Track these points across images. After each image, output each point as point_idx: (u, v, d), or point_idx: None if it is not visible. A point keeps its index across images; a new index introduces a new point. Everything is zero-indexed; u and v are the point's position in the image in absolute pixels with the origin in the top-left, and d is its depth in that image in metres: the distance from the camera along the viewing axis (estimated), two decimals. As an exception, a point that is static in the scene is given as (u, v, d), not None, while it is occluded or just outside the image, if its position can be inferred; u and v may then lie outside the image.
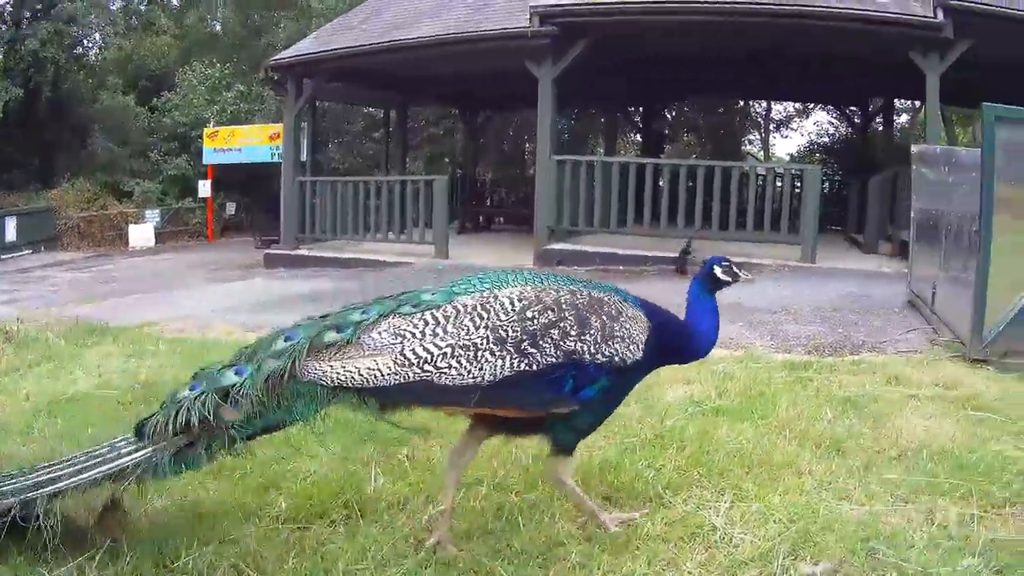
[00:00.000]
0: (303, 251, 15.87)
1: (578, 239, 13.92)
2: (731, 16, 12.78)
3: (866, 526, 3.32)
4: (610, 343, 2.87)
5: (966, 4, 12.41)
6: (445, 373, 2.73)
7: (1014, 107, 6.74)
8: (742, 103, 32.92)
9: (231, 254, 19.25)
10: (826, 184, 25.20)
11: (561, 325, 2.81)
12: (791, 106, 34.46)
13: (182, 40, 32.88)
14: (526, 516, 3.39)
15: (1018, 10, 12.62)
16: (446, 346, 2.75)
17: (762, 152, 37.97)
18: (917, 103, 25.45)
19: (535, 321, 2.80)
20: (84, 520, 3.00)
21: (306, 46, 16.82)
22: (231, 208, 26.60)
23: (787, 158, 34.59)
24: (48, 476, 2.82)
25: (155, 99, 28.77)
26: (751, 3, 12.75)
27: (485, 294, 2.87)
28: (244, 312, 9.82)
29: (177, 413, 2.76)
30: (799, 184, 14.50)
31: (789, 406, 4.90)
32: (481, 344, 2.76)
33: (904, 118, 31.14)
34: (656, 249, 12.77)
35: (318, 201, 15.78)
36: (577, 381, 2.84)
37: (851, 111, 25.23)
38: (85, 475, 2.79)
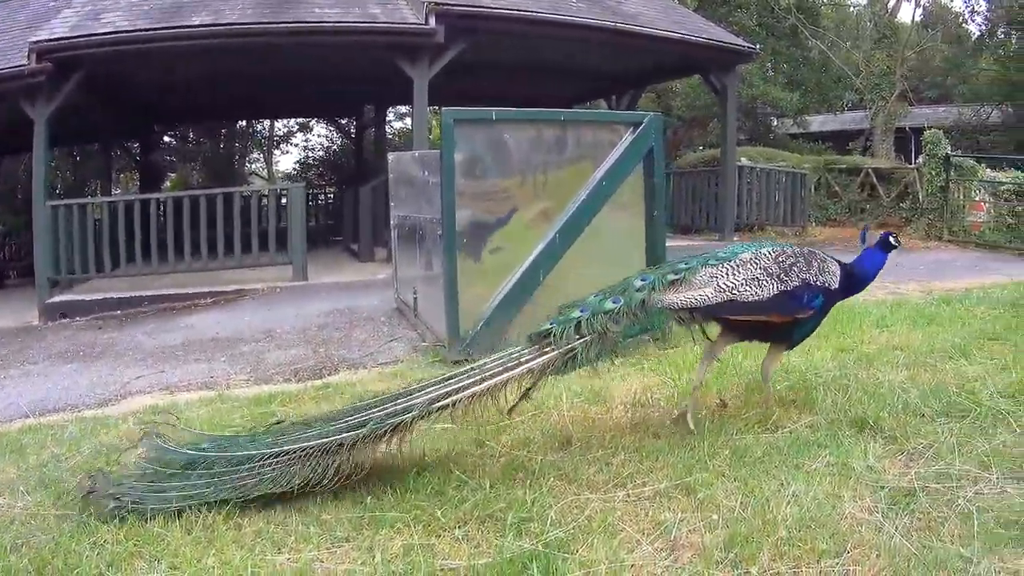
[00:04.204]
0: None
1: (82, 287, 12.99)
2: (220, 39, 12.66)
3: (299, 574, 3.24)
4: (823, 275, 4.60)
5: (459, 8, 13.10)
6: (743, 294, 4.40)
7: (474, 109, 7.07)
8: (245, 123, 33.28)
9: None
10: (325, 197, 26.17)
11: (798, 265, 4.55)
12: (293, 121, 35.25)
13: None
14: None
15: (517, 9, 13.59)
16: (743, 279, 4.44)
17: (266, 170, 38.76)
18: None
19: (784, 263, 4.53)
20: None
21: None
22: None
23: (292, 173, 35.44)
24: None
25: None
26: (240, 24, 12.71)
27: (754, 251, 4.58)
28: None
29: (577, 325, 4.29)
30: (287, 203, 14.76)
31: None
32: (760, 277, 4.45)
33: (408, 122, 32.74)
34: (152, 288, 12.29)
35: None
36: (809, 296, 4.54)
37: (346, 121, 26.10)
38: (500, 377, 4.16)
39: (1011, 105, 29.11)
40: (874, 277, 4.88)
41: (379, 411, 4.02)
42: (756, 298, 4.41)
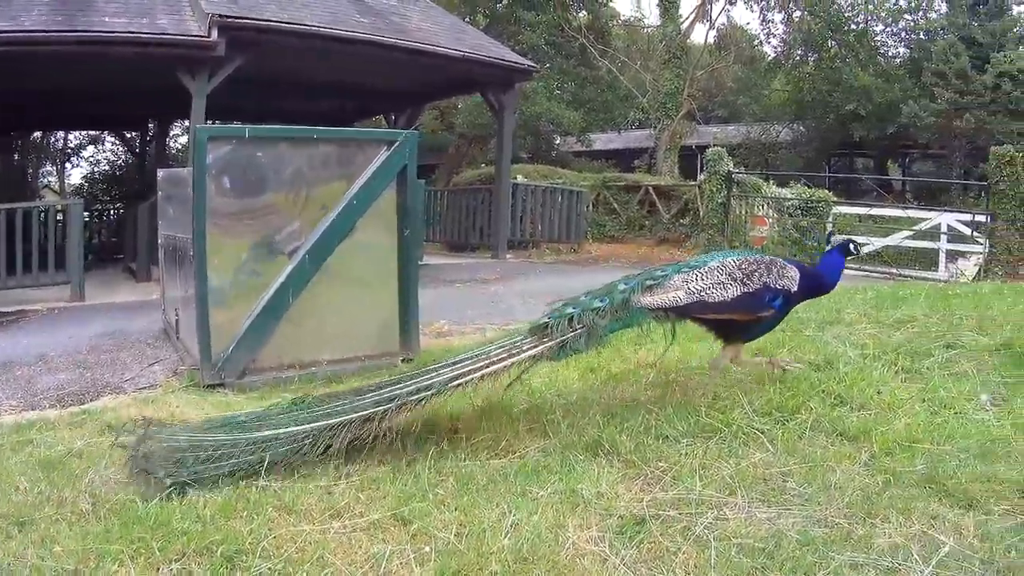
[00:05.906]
0: None
1: None
2: (14, 46, 12.42)
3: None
4: (782, 279, 5.13)
5: (241, 20, 13.21)
6: (711, 295, 4.98)
7: (227, 126, 7.13)
8: (40, 135, 32.22)
9: None
10: (111, 213, 25.63)
11: (759, 270, 5.09)
12: (85, 134, 34.54)
13: None
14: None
15: (299, 24, 13.77)
16: (710, 283, 5.02)
17: (59, 184, 37.70)
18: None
19: (746, 269, 5.08)
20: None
21: None
22: None
23: (80, 187, 34.63)
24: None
25: None
26: (33, 31, 12.53)
27: (720, 259, 5.19)
28: None
29: (570, 319, 4.90)
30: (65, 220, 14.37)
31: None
32: (725, 281, 5.04)
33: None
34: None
35: None
36: (769, 297, 5.09)
37: (131, 136, 25.66)
38: (506, 362, 4.85)
39: (802, 124, 31.22)
40: (838, 278, 5.52)
41: (404, 388, 4.73)
42: (722, 299, 5.03)
